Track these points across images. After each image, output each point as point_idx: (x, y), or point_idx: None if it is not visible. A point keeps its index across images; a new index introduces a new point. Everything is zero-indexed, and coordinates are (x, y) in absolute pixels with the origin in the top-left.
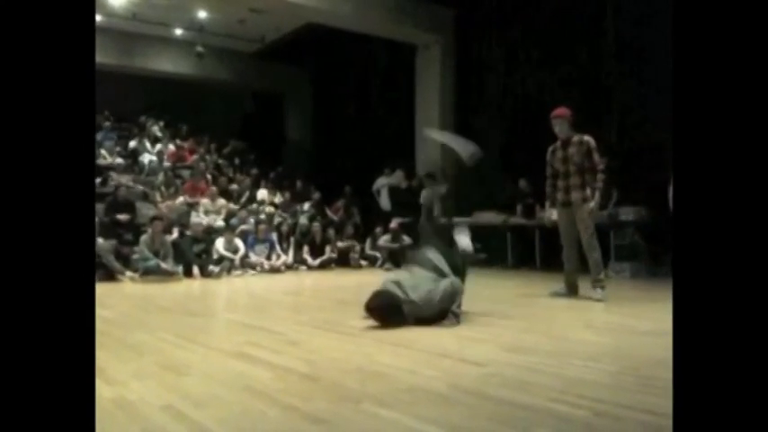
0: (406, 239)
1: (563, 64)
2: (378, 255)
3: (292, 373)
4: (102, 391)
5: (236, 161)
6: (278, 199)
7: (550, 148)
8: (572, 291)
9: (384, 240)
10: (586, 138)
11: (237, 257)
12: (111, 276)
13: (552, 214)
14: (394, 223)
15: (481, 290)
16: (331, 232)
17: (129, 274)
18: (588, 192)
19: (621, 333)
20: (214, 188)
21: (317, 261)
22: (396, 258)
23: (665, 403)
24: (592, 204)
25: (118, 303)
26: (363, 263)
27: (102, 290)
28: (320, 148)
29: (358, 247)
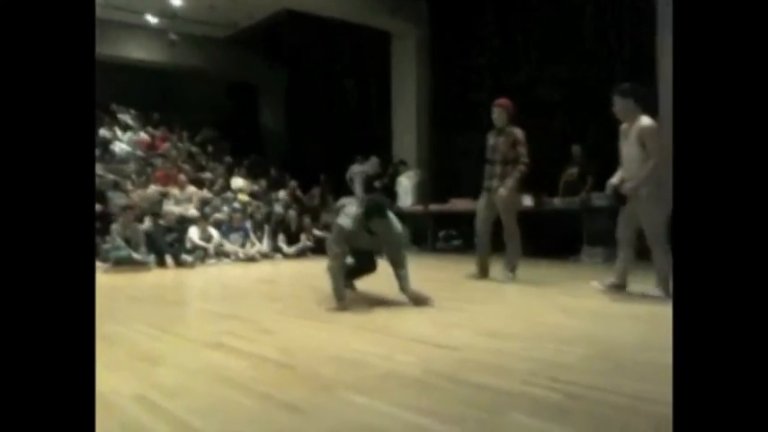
0: None
1: (540, 53)
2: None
3: (267, 361)
4: None
5: (210, 149)
6: (254, 187)
7: (489, 135)
8: (483, 273)
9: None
10: (516, 129)
11: (211, 246)
12: None
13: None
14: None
15: (455, 275)
16: (307, 220)
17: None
18: (509, 182)
19: (594, 317)
20: (183, 176)
21: (293, 249)
22: None
23: (638, 386)
24: (502, 190)
25: None
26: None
27: None
28: (295, 136)
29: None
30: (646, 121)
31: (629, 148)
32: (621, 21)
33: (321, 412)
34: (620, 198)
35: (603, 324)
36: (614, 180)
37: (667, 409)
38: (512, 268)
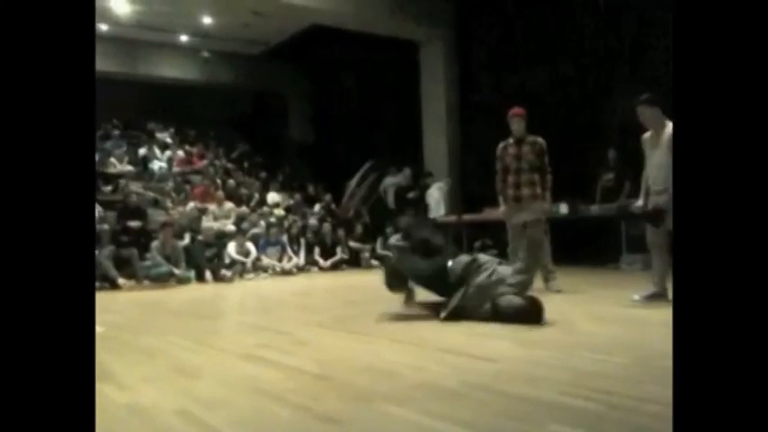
0: None
1: (571, 55)
2: (389, 254)
3: (303, 373)
4: (115, 396)
5: (245, 164)
6: (289, 201)
7: (501, 145)
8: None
9: (395, 239)
10: (539, 138)
11: (249, 261)
12: (114, 283)
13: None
14: (404, 223)
15: None
16: (341, 233)
17: (121, 281)
18: (539, 190)
19: (631, 325)
20: (221, 193)
21: (329, 262)
22: None
23: None
24: (545, 206)
25: (127, 309)
26: (375, 263)
27: (109, 296)
28: (327, 149)
29: (369, 248)
30: None
31: (658, 156)
32: (655, 23)
33: (357, 423)
34: (654, 218)
35: (641, 332)
36: (639, 203)
37: None
38: (553, 275)
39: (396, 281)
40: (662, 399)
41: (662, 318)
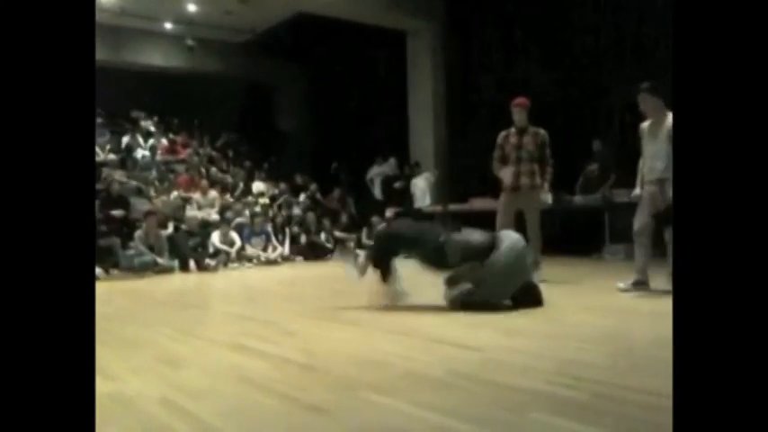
0: None
1: (559, 48)
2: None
3: (289, 363)
4: (100, 386)
5: (230, 153)
6: (274, 190)
7: (503, 133)
8: None
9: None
10: (541, 130)
11: (234, 250)
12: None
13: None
14: (389, 212)
15: None
16: (326, 222)
17: (98, 271)
18: (538, 180)
19: (618, 314)
20: (205, 182)
21: (313, 252)
22: None
23: (663, 383)
24: (543, 195)
25: (113, 299)
26: (360, 252)
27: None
28: (313, 138)
29: (354, 237)
30: None
31: (657, 145)
32: (642, 16)
33: (344, 413)
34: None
35: (627, 321)
36: (637, 192)
37: None
38: (538, 266)
39: (385, 255)
40: (646, 388)
41: (647, 307)
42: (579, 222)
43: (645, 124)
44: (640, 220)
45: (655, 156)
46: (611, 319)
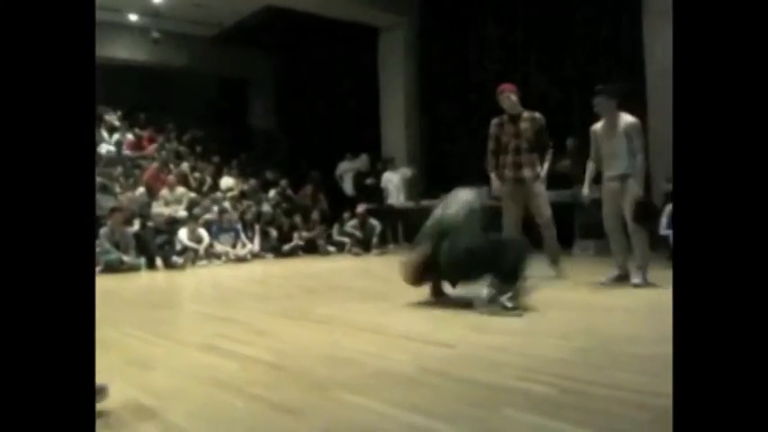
0: (374, 224)
1: (532, 45)
2: (345, 240)
3: (259, 362)
4: None
5: (198, 149)
6: (243, 187)
7: (496, 121)
8: None
9: (351, 226)
10: (537, 114)
11: (202, 247)
12: None
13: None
14: (360, 208)
15: None
16: (297, 219)
17: None
18: (539, 169)
19: (589, 310)
20: (172, 177)
21: (284, 248)
22: (365, 244)
23: (633, 378)
24: (539, 184)
25: None
26: (331, 249)
27: None
28: (285, 134)
29: (325, 234)
30: (630, 117)
31: (613, 144)
32: (611, 15)
33: (314, 412)
34: (647, 214)
35: (599, 317)
36: (586, 191)
37: (663, 401)
38: (556, 260)
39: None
40: (619, 383)
41: (620, 302)
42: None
43: (597, 126)
44: (608, 217)
45: (613, 154)
46: (582, 315)
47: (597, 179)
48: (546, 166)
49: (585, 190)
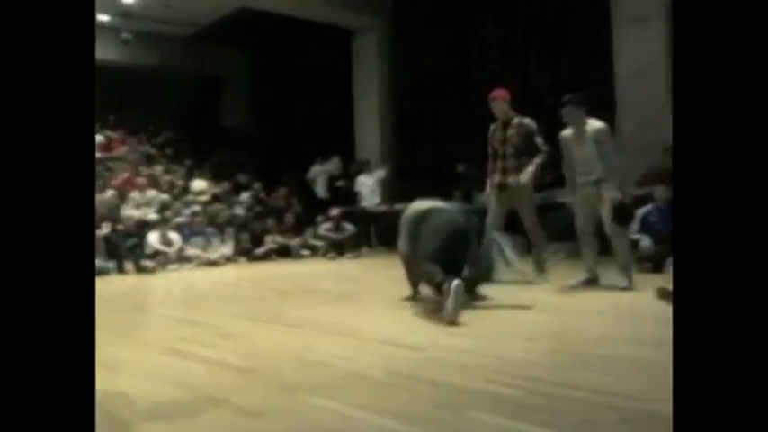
0: (348, 228)
1: (504, 48)
2: (319, 244)
3: (227, 366)
4: None
5: (169, 151)
6: (217, 189)
7: (492, 127)
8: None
9: (325, 229)
10: (526, 120)
11: (173, 251)
12: None
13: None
14: (335, 211)
15: None
16: (271, 222)
17: None
18: (529, 169)
19: (558, 312)
20: (142, 179)
21: (257, 252)
22: (339, 247)
23: (599, 379)
24: (523, 178)
25: None
26: (305, 252)
27: None
28: (259, 136)
29: (299, 237)
30: (598, 123)
31: (583, 150)
32: (580, 18)
33: (280, 416)
34: (625, 215)
35: (568, 319)
36: (570, 198)
37: (628, 402)
38: (542, 265)
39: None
40: (585, 384)
41: (589, 304)
42: (520, 221)
43: (566, 133)
44: (581, 221)
45: (585, 160)
46: (552, 317)
47: (557, 184)
48: (529, 170)
49: (569, 198)
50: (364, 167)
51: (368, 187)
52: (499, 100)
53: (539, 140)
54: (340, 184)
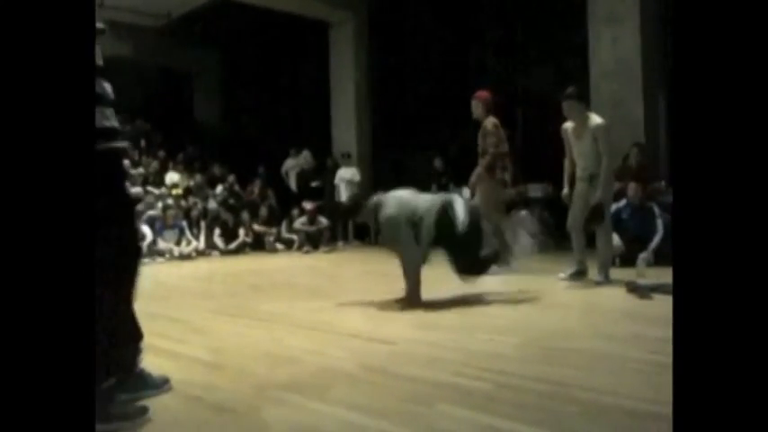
0: (323, 222)
1: (477, 42)
2: (294, 238)
3: (197, 362)
4: None
5: (142, 143)
6: (189, 182)
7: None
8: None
9: (300, 223)
10: (488, 120)
11: (144, 245)
12: None
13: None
14: (310, 205)
15: (396, 269)
16: (245, 215)
17: None
18: (476, 170)
19: (526, 306)
20: None
21: (230, 246)
22: (314, 241)
23: (564, 372)
24: (471, 178)
25: None
26: (279, 246)
27: None
28: (233, 129)
29: (274, 231)
30: (598, 119)
31: (582, 146)
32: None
33: (251, 412)
34: (599, 216)
35: (537, 313)
36: (566, 191)
37: (591, 395)
38: (507, 262)
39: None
40: (551, 377)
41: (559, 300)
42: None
43: (568, 125)
44: (573, 215)
45: (582, 155)
46: (522, 311)
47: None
48: (475, 171)
49: (565, 190)
50: (344, 161)
51: (346, 182)
52: (475, 100)
53: (489, 141)
54: (315, 184)
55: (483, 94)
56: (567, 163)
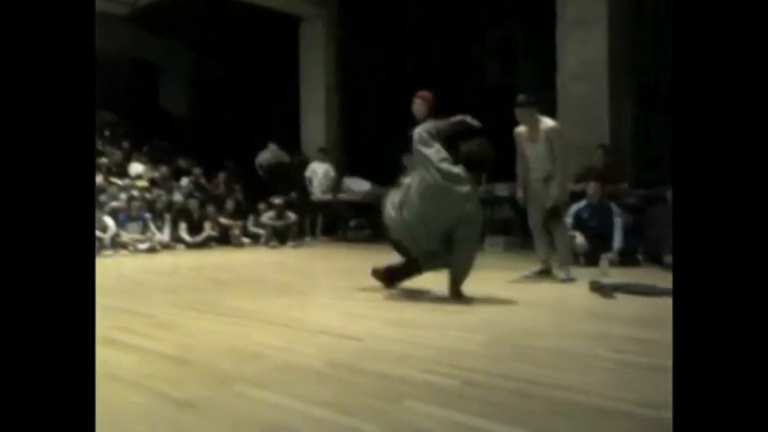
0: (291, 216)
1: (447, 39)
2: (261, 232)
3: (162, 357)
4: None
5: (106, 133)
6: (154, 174)
7: None
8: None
9: (268, 217)
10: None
11: (107, 237)
12: None
13: None
14: (278, 200)
15: (365, 264)
16: (210, 209)
17: None
18: None
19: (496, 304)
20: None
21: (196, 239)
22: (281, 236)
23: (533, 370)
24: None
25: None
26: (246, 240)
27: None
28: (199, 120)
29: (240, 225)
30: (550, 122)
31: (537, 149)
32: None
33: (217, 408)
34: (557, 214)
35: (506, 311)
36: (521, 194)
37: (559, 393)
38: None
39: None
40: (520, 375)
41: (522, 297)
42: None
43: (521, 129)
44: (533, 215)
45: (537, 158)
46: (491, 309)
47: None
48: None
49: (519, 193)
50: (319, 155)
51: (318, 177)
52: (419, 100)
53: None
54: (290, 184)
55: (423, 93)
56: (519, 166)
